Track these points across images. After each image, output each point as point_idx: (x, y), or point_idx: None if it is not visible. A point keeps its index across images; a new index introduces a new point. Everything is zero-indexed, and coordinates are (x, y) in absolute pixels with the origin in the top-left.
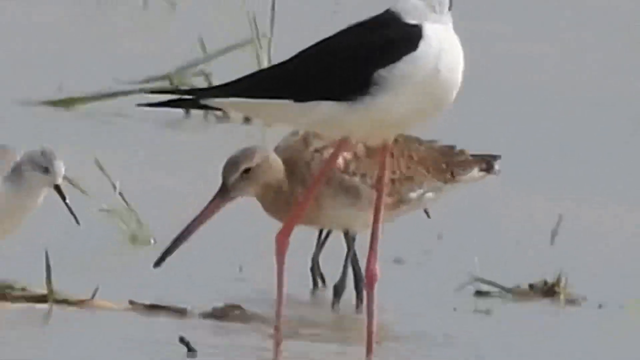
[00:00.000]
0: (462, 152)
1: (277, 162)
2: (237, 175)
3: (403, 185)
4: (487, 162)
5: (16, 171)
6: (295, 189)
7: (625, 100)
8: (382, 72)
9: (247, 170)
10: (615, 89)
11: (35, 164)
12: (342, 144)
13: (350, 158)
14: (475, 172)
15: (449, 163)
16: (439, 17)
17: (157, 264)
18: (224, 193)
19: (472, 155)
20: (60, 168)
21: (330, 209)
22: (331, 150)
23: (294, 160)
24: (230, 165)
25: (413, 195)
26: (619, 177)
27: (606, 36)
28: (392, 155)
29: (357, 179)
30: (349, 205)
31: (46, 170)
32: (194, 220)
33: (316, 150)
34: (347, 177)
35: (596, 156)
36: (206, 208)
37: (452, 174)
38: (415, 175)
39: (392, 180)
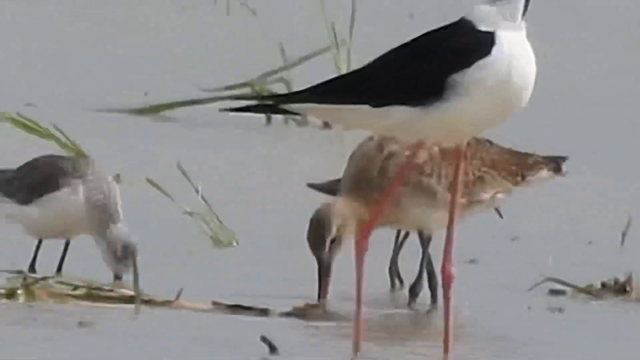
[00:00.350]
0: (531, 154)
1: (350, 206)
2: (327, 247)
3: (475, 187)
4: (555, 164)
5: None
6: (373, 195)
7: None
8: (455, 77)
9: (335, 238)
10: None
11: (118, 254)
12: (417, 147)
13: (425, 160)
14: (544, 173)
15: (519, 165)
16: (512, 25)
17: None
18: (326, 269)
19: (541, 157)
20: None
21: (407, 208)
22: (405, 154)
23: (370, 168)
24: (315, 240)
25: (484, 196)
26: None
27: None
28: (466, 157)
29: (432, 180)
30: (425, 205)
31: (120, 260)
32: (320, 296)
33: (390, 155)
34: (423, 178)
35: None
36: (320, 289)
37: (522, 175)
38: (486, 177)
39: (465, 183)
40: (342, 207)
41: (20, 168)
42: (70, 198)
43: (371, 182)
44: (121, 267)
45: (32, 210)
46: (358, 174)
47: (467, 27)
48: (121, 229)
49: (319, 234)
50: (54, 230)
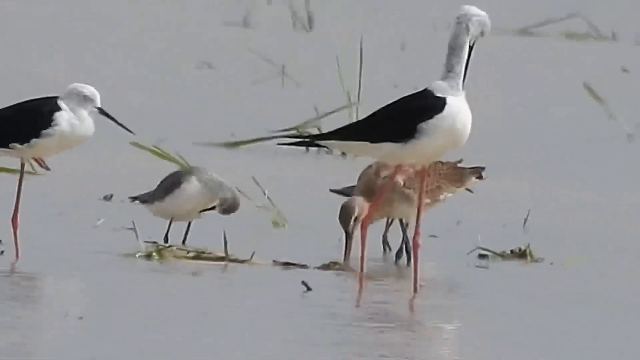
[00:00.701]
0: (464, 167)
1: (364, 202)
2: (352, 224)
3: (435, 191)
4: (478, 172)
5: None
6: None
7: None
8: (422, 125)
9: (356, 218)
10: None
11: (225, 207)
12: (398, 168)
13: (406, 178)
14: (473, 179)
15: (459, 175)
16: (457, 92)
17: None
18: (349, 236)
19: (470, 168)
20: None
21: (395, 207)
22: (401, 175)
23: (372, 184)
24: (344, 219)
25: (442, 197)
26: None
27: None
28: (429, 174)
29: (411, 191)
30: (406, 205)
31: (226, 211)
32: (345, 257)
33: (384, 177)
34: (405, 189)
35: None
36: (345, 252)
37: (461, 182)
38: (442, 185)
39: (430, 190)
40: (360, 200)
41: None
42: (188, 188)
43: (372, 192)
44: (227, 212)
45: (166, 202)
46: (366, 189)
47: (429, 94)
48: (228, 196)
49: (347, 214)
50: (180, 212)
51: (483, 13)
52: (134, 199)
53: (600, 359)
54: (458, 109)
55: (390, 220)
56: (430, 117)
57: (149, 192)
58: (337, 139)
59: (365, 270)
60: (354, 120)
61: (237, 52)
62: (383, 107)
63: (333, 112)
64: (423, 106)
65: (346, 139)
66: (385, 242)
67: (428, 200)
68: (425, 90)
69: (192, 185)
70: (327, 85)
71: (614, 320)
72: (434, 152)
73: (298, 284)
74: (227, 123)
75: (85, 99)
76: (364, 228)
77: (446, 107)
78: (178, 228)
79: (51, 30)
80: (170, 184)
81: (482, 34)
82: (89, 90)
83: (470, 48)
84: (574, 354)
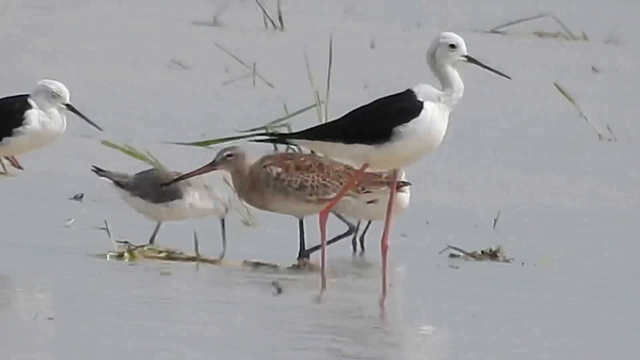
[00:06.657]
0: (379, 175)
1: (248, 163)
2: (222, 156)
3: (320, 189)
4: (385, 184)
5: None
6: (255, 188)
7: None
8: (398, 128)
9: (229, 155)
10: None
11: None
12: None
13: (283, 170)
14: (381, 189)
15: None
16: (438, 100)
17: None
18: (212, 164)
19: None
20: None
21: (268, 200)
22: (277, 168)
23: (254, 172)
24: (221, 151)
25: (329, 197)
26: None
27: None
28: (311, 170)
29: (285, 184)
30: (279, 199)
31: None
32: (188, 173)
33: (264, 166)
34: (279, 182)
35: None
36: (199, 169)
37: (362, 188)
38: (329, 185)
39: (317, 186)
40: (248, 159)
41: (139, 177)
42: (188, 200)
43: (255, 180)
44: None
45: (161, 208)
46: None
47: (409, 96)
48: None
49: (224, 149)
50: (170, 219)
51: (443, 36)
52: (100, 172)
53: (572, 359)
54: (434, 114)
55: (361, 221)
56: (407, 121)
57: (131, 180)
58: (311, 138)
59: (326, 266)
60: (323, 119)
61: (208, 51)
62: (359, 107)
63: (301, 111)
64: (401, 108)
65: (320, 139)
66: (356, 242)
67: (313, 198)
68: (407, 91)
69: (191, 196)
70: (297, 85)
71: (585, 320)
72: (408, 156)
73: (269, 284)
74: (198, 122)
75: (54, 96)
76: (322, 223)
77: (423, 111)
78: (149, 227)
79: (20, 28)
80: (168, 191)
81: (452, 49)
82: (58, 86)
83: (469, 59)
84: (546, 354)
